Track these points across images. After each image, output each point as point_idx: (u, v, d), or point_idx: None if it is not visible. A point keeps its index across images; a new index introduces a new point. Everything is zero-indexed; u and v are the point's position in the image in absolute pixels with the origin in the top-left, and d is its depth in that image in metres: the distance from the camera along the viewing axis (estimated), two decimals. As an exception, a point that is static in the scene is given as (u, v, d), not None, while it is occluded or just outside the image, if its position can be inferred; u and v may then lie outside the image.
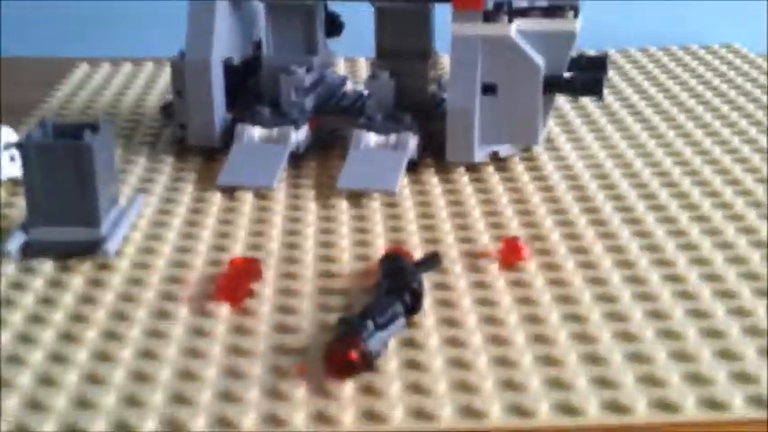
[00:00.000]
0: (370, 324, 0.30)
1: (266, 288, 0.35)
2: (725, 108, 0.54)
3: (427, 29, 0.48)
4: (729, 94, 0.57)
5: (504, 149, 0.47)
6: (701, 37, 0.68)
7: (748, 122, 0.52)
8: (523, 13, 0.45)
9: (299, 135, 0.46)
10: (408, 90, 0.48)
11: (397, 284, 0.33)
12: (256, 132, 0.46)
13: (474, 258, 0.37)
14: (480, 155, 0.46)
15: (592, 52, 0.65)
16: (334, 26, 0.50)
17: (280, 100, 0.48)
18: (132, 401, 0.29)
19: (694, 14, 0.69)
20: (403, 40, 0.48)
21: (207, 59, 0.46)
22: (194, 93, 0.46)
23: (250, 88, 0.49)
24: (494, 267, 0.37)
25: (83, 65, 0.65)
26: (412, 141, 0.45)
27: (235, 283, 0.35)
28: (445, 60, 0.62)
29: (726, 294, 0.34)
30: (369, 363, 0.29)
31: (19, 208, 0.41)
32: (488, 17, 0.44)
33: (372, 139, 0.45)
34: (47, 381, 0.30)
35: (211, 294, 0.35)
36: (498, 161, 0.47)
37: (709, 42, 0.67)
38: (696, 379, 0.29)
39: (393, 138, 0.45)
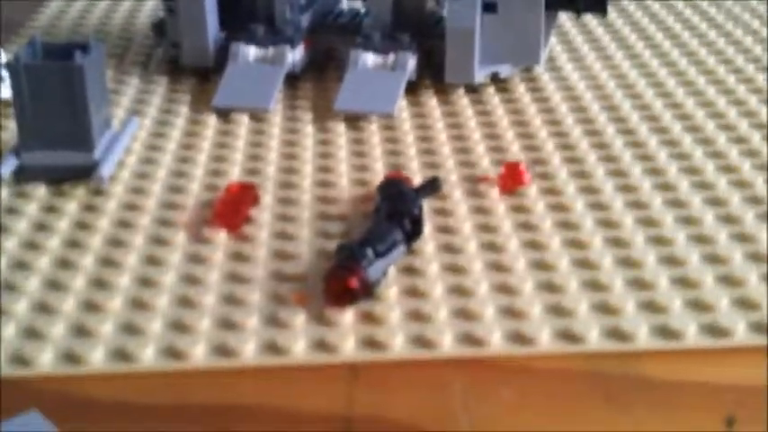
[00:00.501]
0: (369, 251, 0.29)
1: (264, 214, 0.35)
2: (729, 25, 0.53)
3: None
4: (735, 10, 0.55)
5: (504, 69, 0.46)
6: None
7: (754, 40, 0.51)
8: None
9: (294, 55, 0.45)
10: (406, 7, 0.47)
11: (396, 210, 0.32)
12: (251, 52, 0.45)
13: (474, 183, 0.37)
14: (480, 76, 0.45)
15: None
16: None
17: (274, 18, 0.46)
18: (130, 329, 0.28)
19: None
20: None
21: None
22: (186, 11, 0.45)
23: (244, 5, 0.48)
24: (494, 192, 0.36)
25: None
26: (411, 62, 0.44)
27: (232, 208, 0.34)
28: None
29: (729, 220, 0.34)
30: (369, 290, 0.29)
31: (11, 131, 0.41)
32: None
33: (370, 59, 0.44)
34: (43, 308, 0.29)
35: (209, 220, 0.34)
36: (499, 82, 0.46)
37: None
38: (697, 305, 0.29)
39: (391, 57, 0.44)
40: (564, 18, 0.54)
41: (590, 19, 0.54)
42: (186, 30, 0.45)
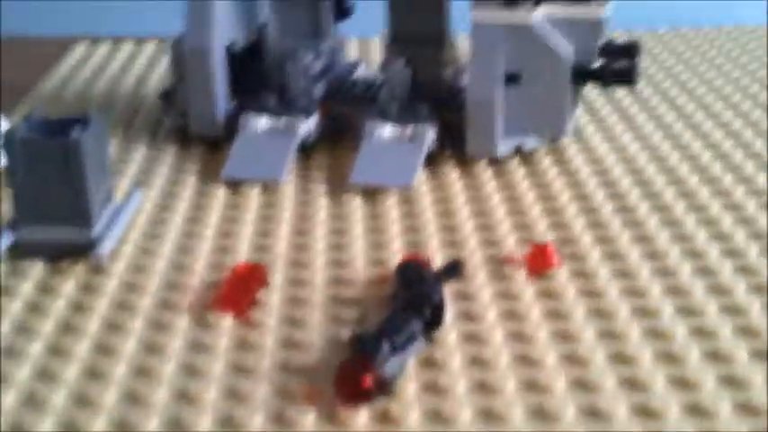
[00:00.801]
0: (386, 345, 0.27)
1: (273, 296, 0.32)
2: (763, 95, 0.51)
3: (443, 12, 0.45)
4: None
5: (529, 142, 0.44)
6: (734, 16, 0.64)
7: (789, 112, 0.49)
8: None
9: (308, 125, 0.43)
10: (424, 78, 0.45)
11: (415, 297, 0.30)
12: (262, 122, 0.43)
13: (499, 264, 0.34)
14: (504, 149, 0.43)
15: (621, 37, 0.62)
16: (342, 9, 0.47)
17: (287, 87, 0.44)
18: (125, 426, 0.26)
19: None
20: (418, 25, 0.45)
21: (208, 45, 0.42)
22: (196, 80, 0.43)
23: (254, 75, 0.46)
24: (521, 275, 0.34)
25: (83, 43, 0.61)
26: (429, 133, 0.42)
27: (238, 291, 0.32)
28: (464, 43, 0.59)
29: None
30: (384, 389, 0.26)
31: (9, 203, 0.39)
32: (511, 2, 0.41)
33: (387, 130, 0.42)
34: (33, 400, 0.27)
35: (213, 303, 0.32)
36: (523, 155, 0.44)
37: (743, 21, 0.63)
38: (728, 381, 0.26)
39: (409, 129, 0.42)
40: (589, 87, 0.52)
41: (617, 89, 0.52)
42: (195, 98, 0.43)
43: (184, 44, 0.43)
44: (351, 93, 0.47)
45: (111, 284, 0.33)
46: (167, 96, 0.46)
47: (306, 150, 0.43)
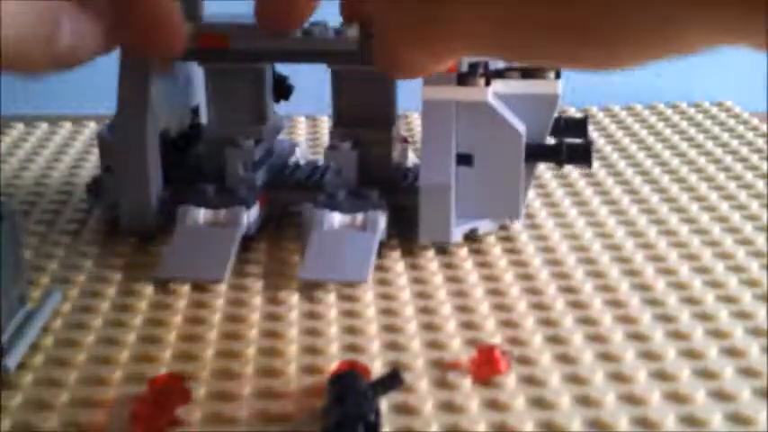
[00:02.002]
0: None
1: (195, 412, 0.29)
2: (721, 176, 0.49)
3: (390, 92, 0.43)
4: (724, 158, 0.52)
5: (483, 225, 0.41)
6: (690, 94, 0.63)
7: (737, 186, 0.47)
8: (501, 74, 0.40)
9: (249, 216, 0.40)
10: (371, 161, 0.43)
11: (347, 416, 0.27)
12: (201, 215, 0.40)
13: (443, 371, 0.32)
14: (458, 233, 0.41)
15: (572, 111, 0.61)
16: (281, 90, 0.44)
17: (226, 176, 0.42)
18: None
19: (683, 70, 0.65)
20: (363, 106, 0.43)
21: (141, 133, 0.40)
22: (127, 170, 0.40)
23: (190, 162, 0.44)
24: (466, 383, 0.31)
25: (18, 125, 0.59)
26: (381, 221, 0.40)
27: (155, 409, 0.29)
28: (415, 123, 0.57)
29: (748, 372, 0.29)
30: None
31: None
32: (463, 79, 0.39)
33: (336, 219, 0.40)
34: None
35: (127, 423, 0.29)
36: (473, 242, 0.41)
37: (699, 100, 0.63)
38: None
39: (360, 217, 0.40)
40: (542, 168, 0.50)
41: (570, 169, 0.51)
42: (125, 190, 0.41)
43: (114, 131, 0.41)
44: (293, 178, 0.44)
45: (16, 401, 0.30)
46: (94, 188, 0.44)
47: (244, 243, 0.41)
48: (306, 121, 0.59)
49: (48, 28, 0.26)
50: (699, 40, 0.21)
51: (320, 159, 0.45)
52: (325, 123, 0.58)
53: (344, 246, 0.39)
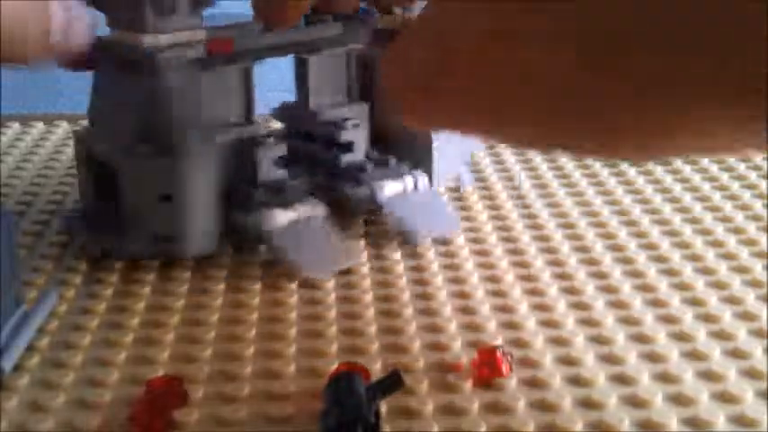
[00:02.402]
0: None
1: (193, 415, 0.29)
2: (725, 176, 0.49)
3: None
4: (727, 157, 0.52)
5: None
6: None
7: (741, 186, 0.47)
8: None
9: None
10: None
11: (347, 417, 0.27)
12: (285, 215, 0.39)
13: (444, 373, 0.31)
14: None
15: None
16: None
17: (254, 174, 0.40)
18: None
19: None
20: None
21: (210, 151, 0.38)
22: (197, 197, 0.38)
23: None
24: (467, 386, 0.31)
25: (14, 125, 0.58)
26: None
27: (152, 411, 0.29)
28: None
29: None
30: None
31: None
32: None
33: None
34: None
35: (125, 426, 0.29)
36: (475, 242, 0.41)
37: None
38: None
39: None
40: (543, 168, 0.50)
41: (572, 169, 0.50)
42: (190, 215, 0.38)
43: (177, 155, 0.37)
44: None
45: (11, 404, 0.30)
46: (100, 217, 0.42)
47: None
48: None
49: (41, 18, 0.26)
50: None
51: None
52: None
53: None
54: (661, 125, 0.22)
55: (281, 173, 0.40)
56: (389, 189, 0.41)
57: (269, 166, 0.39)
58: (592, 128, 0.23)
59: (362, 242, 0.41)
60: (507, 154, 0.53)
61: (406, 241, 0.41)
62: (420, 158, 0.43)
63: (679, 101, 0.21)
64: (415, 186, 0.42)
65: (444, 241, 0.41)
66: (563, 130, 0.23)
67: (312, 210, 0.39)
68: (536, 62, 0.22)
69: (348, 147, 0.42)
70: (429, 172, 0.43)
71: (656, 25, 0.20)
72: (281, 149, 0.40)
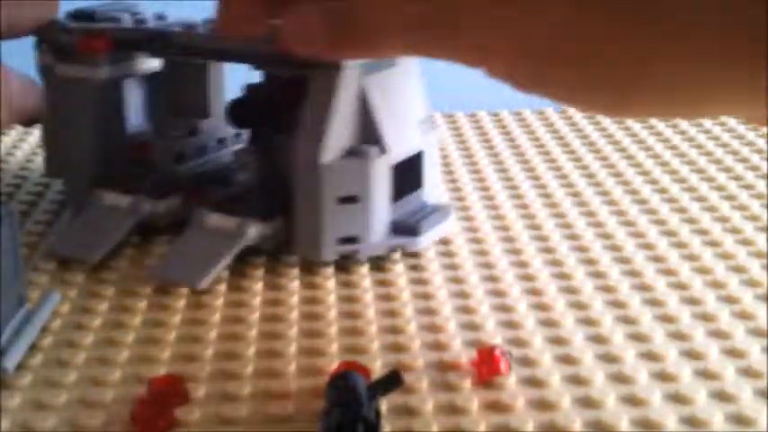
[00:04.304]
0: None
1: (194, 413, 0.29)
2: (722, 176, 0.49)
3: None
4: (725, 158, 0.52)
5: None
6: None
7: (738, 186, 0.47)
8: None
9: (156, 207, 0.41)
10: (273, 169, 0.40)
11: (347, 416, 0.27)
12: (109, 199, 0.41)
13: (444, 372, 0.32)
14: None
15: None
16: None
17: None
18: None
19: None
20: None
21: None
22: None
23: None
24: (467, 384, 0.31)
25: (17, 126, 0.59)
26: (253, 229, 0.38)
27: (154, 410, 0.29)
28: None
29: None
30: None
31: None
32: None
33: (213, 219, 0.39)
34: None
35: (126, 424, 0.29)
36: (474, 243, 0.41)
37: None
38: None
39: (233, 221, 0.38)
40: (542, 169, 0.50)
41: (571, 169, 0.50)
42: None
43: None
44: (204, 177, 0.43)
45: (14, 402, 0.30)
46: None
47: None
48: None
49: None
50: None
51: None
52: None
53: (200, 248, 0.38)
54: (663, 74, 0.22)
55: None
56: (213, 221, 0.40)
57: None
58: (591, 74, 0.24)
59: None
60: (506, 154, 0.53)
61: None
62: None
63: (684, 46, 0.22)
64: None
65: (444, 241, 0.41)
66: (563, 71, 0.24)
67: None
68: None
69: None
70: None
71: None
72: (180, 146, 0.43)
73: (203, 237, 0.38)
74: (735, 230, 0.43)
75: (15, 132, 0.57)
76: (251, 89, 0.41)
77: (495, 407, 0.30)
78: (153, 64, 0.43)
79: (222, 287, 0.38)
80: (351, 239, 0.38)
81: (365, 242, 0.38)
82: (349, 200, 0.37)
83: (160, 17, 0.43)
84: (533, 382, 0.31)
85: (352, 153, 0.37)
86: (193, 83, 0.43)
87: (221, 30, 0.35)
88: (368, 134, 0.37)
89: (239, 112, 0.41)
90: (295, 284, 0.38)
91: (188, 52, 0.41)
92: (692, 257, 0.40)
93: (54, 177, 0.46)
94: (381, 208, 0.38)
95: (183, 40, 0.40)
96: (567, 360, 0.32)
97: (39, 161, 0.52)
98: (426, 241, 0.40)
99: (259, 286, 0.38)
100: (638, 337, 0.34)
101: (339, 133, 0.37)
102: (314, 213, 0.37)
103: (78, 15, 0.43)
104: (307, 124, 0.37)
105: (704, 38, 0.21)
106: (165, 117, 0.44)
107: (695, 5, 0.21)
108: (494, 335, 0.34)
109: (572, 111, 0.60)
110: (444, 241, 0.41)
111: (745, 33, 0.20)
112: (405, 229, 0.39)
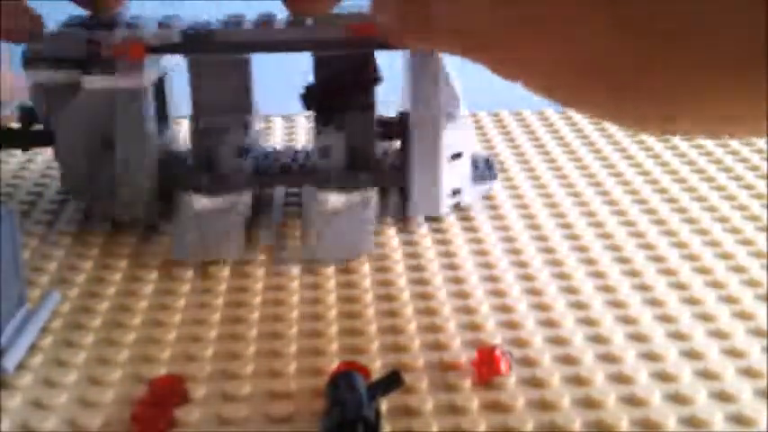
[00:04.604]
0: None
1: (194, 413, 0.29)
2: (722, 176, 0.49)
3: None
4: (725, 158, 0.52)
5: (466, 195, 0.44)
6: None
7: (738, 186, 0.47)
8: None
9: (244, 200, 0.42)
10: (355, 143, 0.43)
11: (347, 416, 0.27)
12: (202, 202, 0.41)
13: (444, 372, 0.32)
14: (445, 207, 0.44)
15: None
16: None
17: (216, 164, 0.43)
18: None
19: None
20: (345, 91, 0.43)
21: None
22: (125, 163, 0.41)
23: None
24: (467, 384, 0.31)
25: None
26: (374, 198, 0.42)
27: (154, 410, 0.29)
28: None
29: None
30: None
31: None
32: None
33: (333, 198, 0.41)
34: None
35: (127, 424, 0.29)
36: (474, 243, 0.41)
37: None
38: None
39: (356, 197, 0.42)
40: (543, 168, 0.50)
41: (571, 169, 0.50)
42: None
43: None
44: (278, 164, 0.45)
45: (15, 402, 0.30)
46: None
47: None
48: (282, 119, 0.59)
49: None
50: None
51: (297, 145, 0.48)
52: (301, 122, 0.58)
53: (345, 224, 0.40)
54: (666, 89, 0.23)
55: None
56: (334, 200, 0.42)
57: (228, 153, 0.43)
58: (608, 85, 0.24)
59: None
60: (507, 154, 0.53)
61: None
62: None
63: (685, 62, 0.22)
64: (361, 205, 0.43)
65: (444, 241, 0.41)
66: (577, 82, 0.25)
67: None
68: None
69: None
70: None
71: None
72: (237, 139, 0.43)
73: (335, 216, 0.41)
74: (735, 230, 0.43)
75: (15, 132, 0.57)
76: (320, 73, 0.43)
77: (495, 407, 0.30)
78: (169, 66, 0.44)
79: (222, 287, 0.38)
80: (456, 191, 0.44)
81: (466, 193, 0.44)
82: (456, 156, 0.42)
83: (166, 19, 0.43)
84: (533, 383, 0.31)
85: (451, 116, 0.42)
86: (236, 79, 0.43)
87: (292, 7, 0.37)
88: (455, 101, 0.42)
89: (315, 95, 0.43)
90: (295, 284, 0.38)
91: (237, 48, 0.41)
92: (692, 257, 0.40)
93: (79, 199, 0.44)
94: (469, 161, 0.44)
95: (230, 37, 0.40)
96: (567, 360, 0.32)
97: (39, 161, 0.52)
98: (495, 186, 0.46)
99: (259, 286, 0.38)
100: (638, 338, 0.34)
101: (443, 101, 0.41)
102: (433, 171, 0.42)
103: (90, 24, 0.42)
104: (421, 95, 0.41)
105: (725, 63, 0.22)
106: (201, 117, 0.44)
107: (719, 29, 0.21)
108: (494, 335, 0.34)
109: (572, 111, 0.60)
110: (444, 241, 0.41)
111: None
112: (479, 177, 0.45)
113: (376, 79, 0.42)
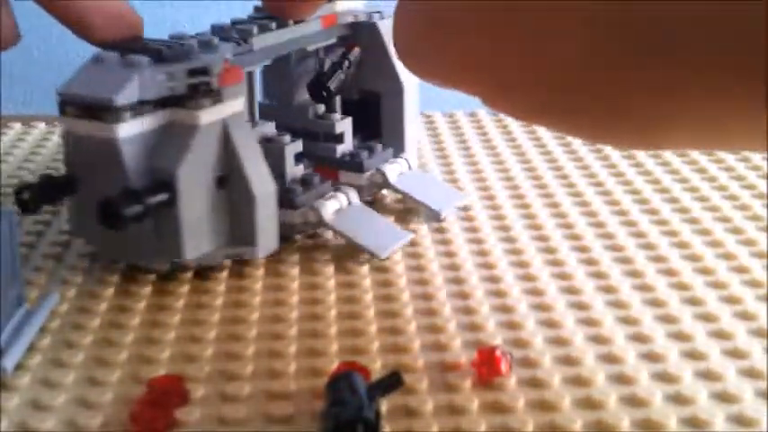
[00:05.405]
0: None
1: (194, 413, 0.29)
2: (723, 176, 0.49)
3: None
4: (726, 158, 0.52)
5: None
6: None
7: (740, 186, 0.47)
8: None
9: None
10: None
11: (347, 416, 0.27)
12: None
13: (444, 372, 0.32)
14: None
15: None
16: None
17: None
18: None
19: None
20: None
21: None
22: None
23: None
24: (467, 384, 0.31)
25: (15, 125, 0.59)
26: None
27: (153, 410, 0.29)
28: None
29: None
30: None
31: None
32: None
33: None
34: None
35: (126, 425, 0.29)
36: (474, 243, 0.41)
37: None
38: None
39: None
40: (543, 168, 0.50)
41: (571, 169, 0.50)
42: None
43: None
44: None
45: (13, 402, 0.30)
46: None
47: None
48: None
49: None
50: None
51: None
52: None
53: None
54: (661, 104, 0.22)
55: (299, 168, 0.42)
56: (393, 171, 0.44)
57: (292, 163, 0.41)
58: (600, 105, 0.23)
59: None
60: (507, 154, 0.53)
61: (430, 219, 0.44)
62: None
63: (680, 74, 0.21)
64: (409, 167, 0.45)
65: (444, 242, 0.41)
66: (566, 105, 0.24)
67: (352, 196, 0.42)
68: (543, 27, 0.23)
69: (341, 137, 0.44)
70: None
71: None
72: (299, 146, 0.42)
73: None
74: (736, 231, 0.42)
75: (14, 132, 0.57)
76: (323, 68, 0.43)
77: (495, 407, 0.30)
78: None
79: (222, 287, 0.38)
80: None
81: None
82: None
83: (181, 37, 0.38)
84: (534, 383, 0.31)
85: None
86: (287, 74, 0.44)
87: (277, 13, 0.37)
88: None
89: (322, 88, 0.43)
90: (295, 285, 0.38)
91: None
92: (693, 258, 0.40)
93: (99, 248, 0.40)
94: None
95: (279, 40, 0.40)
96: (567, 361, 0.32)
97: (38, 160, 0.52)
98: None
99: (259, 286, 0.38)
100: (639, 338, 0.34)
101: None
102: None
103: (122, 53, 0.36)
104: None
105: (719, 68, 0.21)
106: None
107: (708, 36, 0.20)
108: (494, 335, 0.34)
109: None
110: (444, 242, 0.41)
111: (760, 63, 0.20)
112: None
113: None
